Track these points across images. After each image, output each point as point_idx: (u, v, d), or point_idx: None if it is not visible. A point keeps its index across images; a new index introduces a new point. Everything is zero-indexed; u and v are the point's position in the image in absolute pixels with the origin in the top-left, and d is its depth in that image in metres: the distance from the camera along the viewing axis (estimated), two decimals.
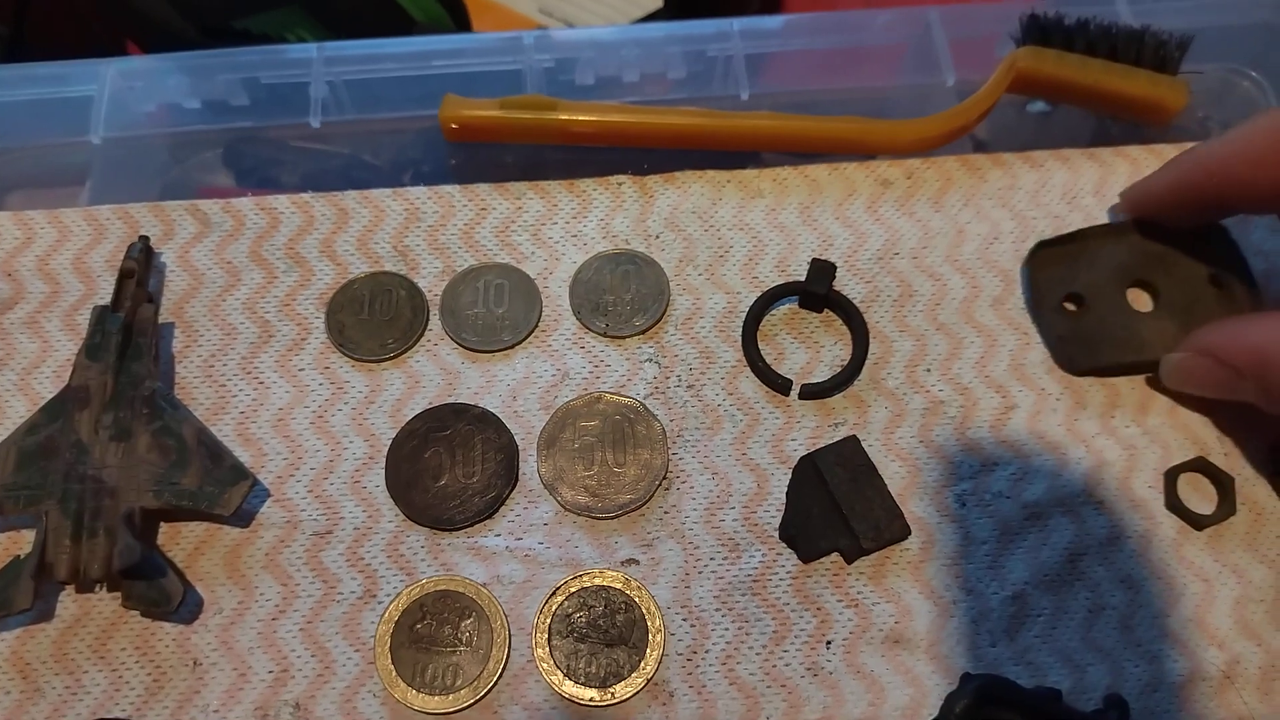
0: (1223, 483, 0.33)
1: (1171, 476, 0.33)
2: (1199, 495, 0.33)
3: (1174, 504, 0.32)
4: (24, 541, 0.32)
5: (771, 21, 0.41)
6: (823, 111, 0.37)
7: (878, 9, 0.40)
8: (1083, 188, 0.38)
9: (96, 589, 0.31)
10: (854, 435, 0.33)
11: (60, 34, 0.50)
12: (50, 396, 0.33)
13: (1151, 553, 0.32)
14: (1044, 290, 0.35)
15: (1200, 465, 0.33)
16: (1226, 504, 0.32)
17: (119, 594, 0.31)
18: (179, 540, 0.32)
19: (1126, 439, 0.33)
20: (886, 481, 0.32)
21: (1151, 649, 0.31)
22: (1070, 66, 0.37)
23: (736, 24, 0.40)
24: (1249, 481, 0.33)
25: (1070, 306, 0.35)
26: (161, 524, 0.32)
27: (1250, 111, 0.41)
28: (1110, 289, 0.34)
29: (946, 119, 0.37)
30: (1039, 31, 0.37)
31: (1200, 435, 0.34)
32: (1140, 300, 0.35)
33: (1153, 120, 0.38)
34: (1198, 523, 0.32)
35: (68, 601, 0.31)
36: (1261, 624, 0.31)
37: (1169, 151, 0.38)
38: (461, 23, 0.45)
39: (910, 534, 0.31)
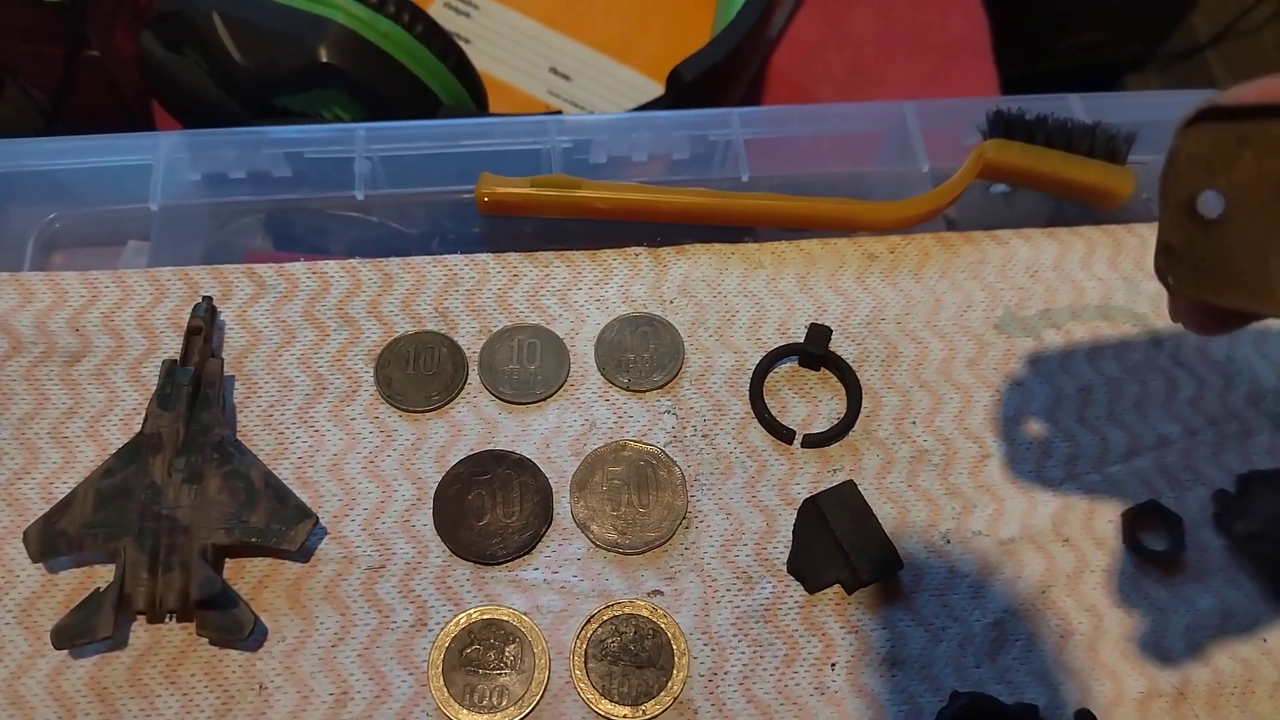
0: (1172, 523, 0.37)
1: (1128, 517, 0.37)
2: (1152, 534, 0.37)
3: (1131, 541, 0.37)
4: (97, 576, 0.34)
5: (766, 111, 0.46)
6: (814, 192, 0.42)
7: (861, 102, 0.45)
8: (1043, 263, 0.43)
9: (168, 619, 0.34)
10: (851, 480, 0.37)
11: (97, 104, 0.53)
12: (117, 443, 0.36)
13: (1112, 584, 0.36)
14: (1178, 177, 0.25)
15: (1153, 508, 0.37)
16: (1176, 541, 0.37)
17: (188, 624, 0.34)
18: (244, 574, 0.35)
19: (1089, 484, 0.38)
20: (880, 521, 0.36)
21: (1114, 669, 0.35)
22: (1032, 157, 0.42)
23: (736, 112, 0.45)
24: (1195, 522, 0.38)
25: (1205, 210, 0.25)
26: (227, 559, 0.35)
27: None
28: (1267, 198, 0.24)
29: (924, 201, 0.42)
30: (1004, 126, 0.43)
31: (1153, 482, 0.38)
32: None
33: (1104, 204, 0.43)
34: (1152, 558, 0.37)
35: (139, 631, 0.34)
36: (1209, 647, 0.35)
37: (1119, 231, 0.43)
38: (481, 103, 0.50)
39: (903, 567, 0.35)
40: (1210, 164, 0.24)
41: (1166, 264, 0.26)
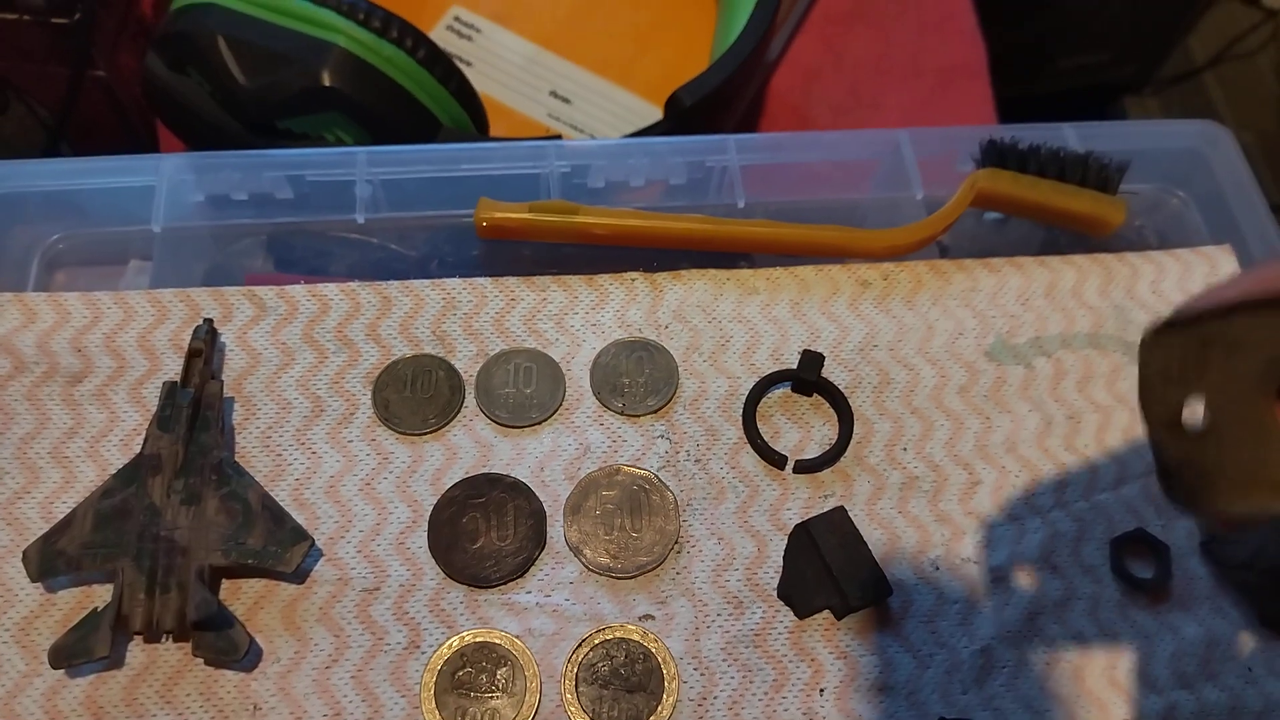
0: (1159, 551, 0.38)
1: (1116, 545, 0.38)
2: (1140, 561, 0.38)
3: (1118, 569, 0.37)
4: (95, 596, 0.35)
5: (762, 138, 0.46)
6: (808, 219, 0.43)
7: (856, 130, 0.46)
8: (1035, 290, 0.43)
9: (164, 639, 0.34)
10: (842, 506, 0.37)
11: (101, 123, 0.53)
12: (117, 464, 0.36)
13: (1100, 612, 0.37)
14: (1155, 395, 0.25)
15: (1140, 535, 0.38)
16: (1163, 570, 0.37)
17: (183, 644, 0.34)
18: (240, 595, 0.35)
19: (1076, 512, 0.38)
20: (870, 547, 0.36)
21: (1101, 696, 0.35)
22: (1024, 186, 0.42)
23: (732, 139, 0.45)
24: (1182, 550, 0.38)
25: (1193, 420, 0.25)
26: (223, 580, 0.35)
27: (1178, 225, 0.47)
28: (1246, 393, 0.24)
29: (917, 229, 0.42)
30: (996, 155, 0.43)
31: (1140, 509, 0.39)
32: None
33: (1096, 232, 0.44)
34: (1139, 586, 0.37)
35: (136, 651, 0.34)
36: (1194, 675, 0.36)
37: (1110, 260, 0.44)
38: (481, 125, 0.50)
39: (892, 593, 0.36)
40: (1182, 375, 0.24)
41: (1170, 486, 0.26)
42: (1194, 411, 0.24)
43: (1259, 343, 0.23)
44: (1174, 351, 0.24)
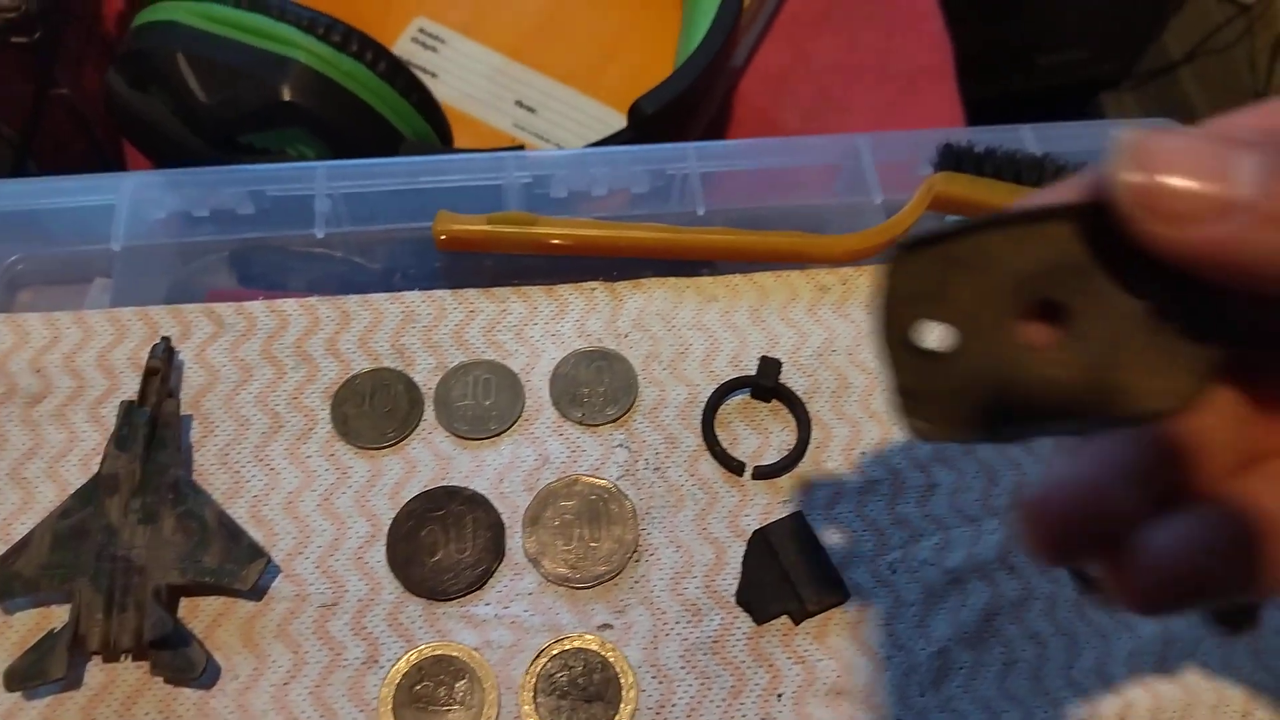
0: None
1: None
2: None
3: (1075, 569, 0.37)
4: (53, 617, 0.35)
5: (723, 145, 0.47)
6: (768, 225, 0.43)
7: (815, 136, 0.46)
8: None
9: (122, 658, 0.34)
10: (799, 511, 0.37)
11: (66, 141, 0.53)
12: (77, 483, 0.36)
13: (1057, 612, 0.37)
14: (894, 315, 0.23)
15: None
16: None
17: (142, 663, 0.34)
18: (199, 613, 0.35)
19: None
20: (828, 551, 0.37)
21: (1057, 696, 0.35)
22: (980, 189, 0.42)
23: (692, 146, 0.45)
24: None
25: (931, 343, 0.23)
26: (182, 598, 0.35)
27: None
28: (994, 314, 0.23)
29: (875, 234, 0.42)
30: (953, 158, 0.43)
31: None
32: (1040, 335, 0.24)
33: None
34: (1096, 586, 0.37)
35: (94, 671, 0.34)
36: (1151, 672, 0.36)
37: None
38: (444, 137, 0.50)
39: (849, 598, 0.36)
40: (927, 294, 0.23)
41: (907, 409, 0.23)
42: (937, 331, 0.23)
43: (1008, 260, 0.22)
44: (920, 270, 0.23)
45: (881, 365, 0.23)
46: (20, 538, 0.35)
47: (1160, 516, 0.22)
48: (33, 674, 0.32)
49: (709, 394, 0.40)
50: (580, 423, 0.39)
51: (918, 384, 0.23)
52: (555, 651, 0.35)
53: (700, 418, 0.39)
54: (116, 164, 0.55)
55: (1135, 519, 0.22)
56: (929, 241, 0.23)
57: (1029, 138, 0.46)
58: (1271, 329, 0.24)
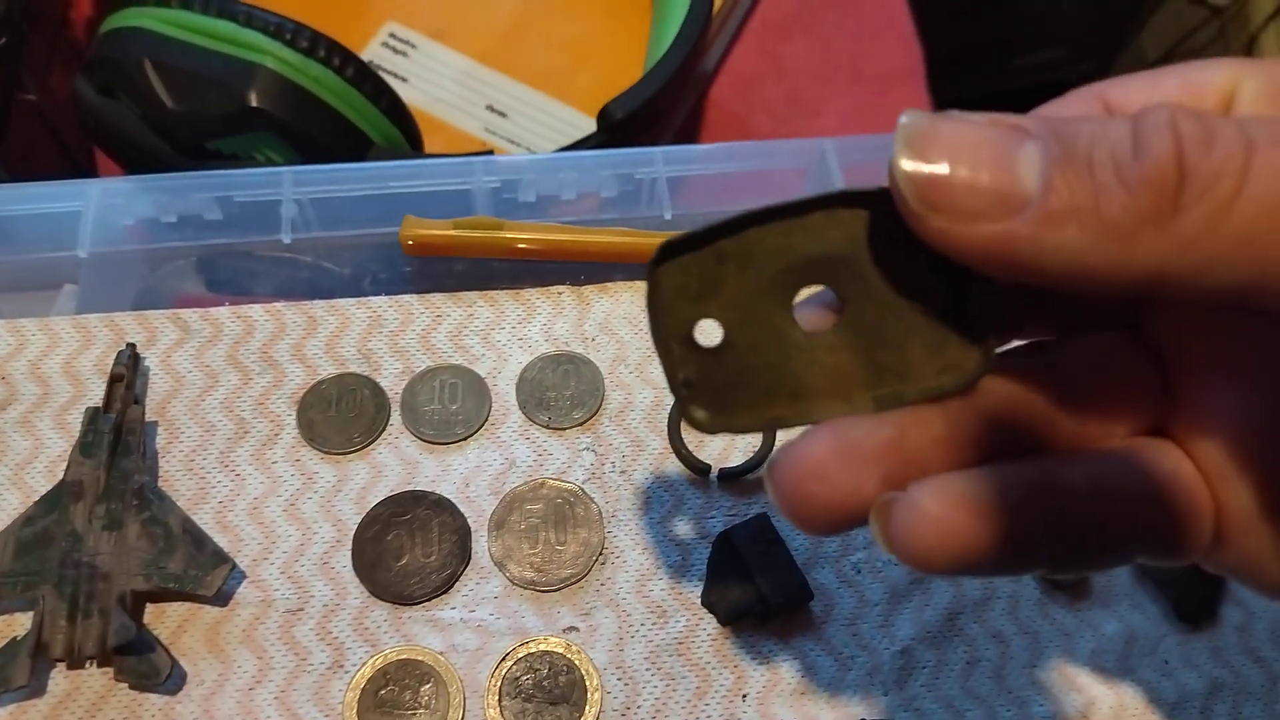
0: None
1: None
2: None
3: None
4: (16, 625, 0.35)
5: (690, 149, 0.47)
6: None
7: (782, 139, 0.46)
8: None
9: (87, 665, 0.34)
10: (764, 513, 0.38)
11: (35, 147, 0.53)
12: (42, 490, 0.36)
13: (1019, 611, 0.37)
14: (669, 313, 0.23)
15: None
16: None
17: (107, 669, 0.34)
18: (164, 619, 0.35)
19: None
20: (793, 552, 0.37)
21: (1021, 695, 0.36)
22: None
23: (659, 151, 0.46)
24: None
25: (705, 339, 0.23)
26: (147, 604, 0.35)
27: None
28: (764, 305, 0.23)
29: None
30: None
31: None
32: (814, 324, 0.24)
33: None
34: (1058, 584, 0.37)
35: (59, 678, 0.34)
36: (1113, 670, 0.36)
37: None
38: (414, 142, 0.50)
39: (813, 598, 0.36)
40: (699, 292, 0.23)
41: (690, 398, 0.23)
42: (709, 327, 0.23)
43: (770, 253, 0.22)
44: (689, 269, 0.22)
45: (661, 362, 0.23)
46: None
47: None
48: None
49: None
50: (547, 426, 0.39)
51: (696, 376, 0.23)
52: (521, 654, 0.35)
53: (666, 421, 0.40)
54: (87, 169, 0.55)
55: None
56: (698, 240, 0.23)
57: None
58: (1055, 319, 0.25)
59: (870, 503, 0.21)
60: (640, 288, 0.43)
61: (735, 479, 0.39)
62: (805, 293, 0.23)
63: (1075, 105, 0.23)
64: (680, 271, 0.23)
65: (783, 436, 0.39)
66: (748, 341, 0.23)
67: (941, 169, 0.19)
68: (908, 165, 0.19)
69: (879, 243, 0.22)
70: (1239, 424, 0.22)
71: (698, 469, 0.39)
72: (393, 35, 0.58)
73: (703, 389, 0.23)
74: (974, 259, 0.19)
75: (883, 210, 0.21)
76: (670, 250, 0.23)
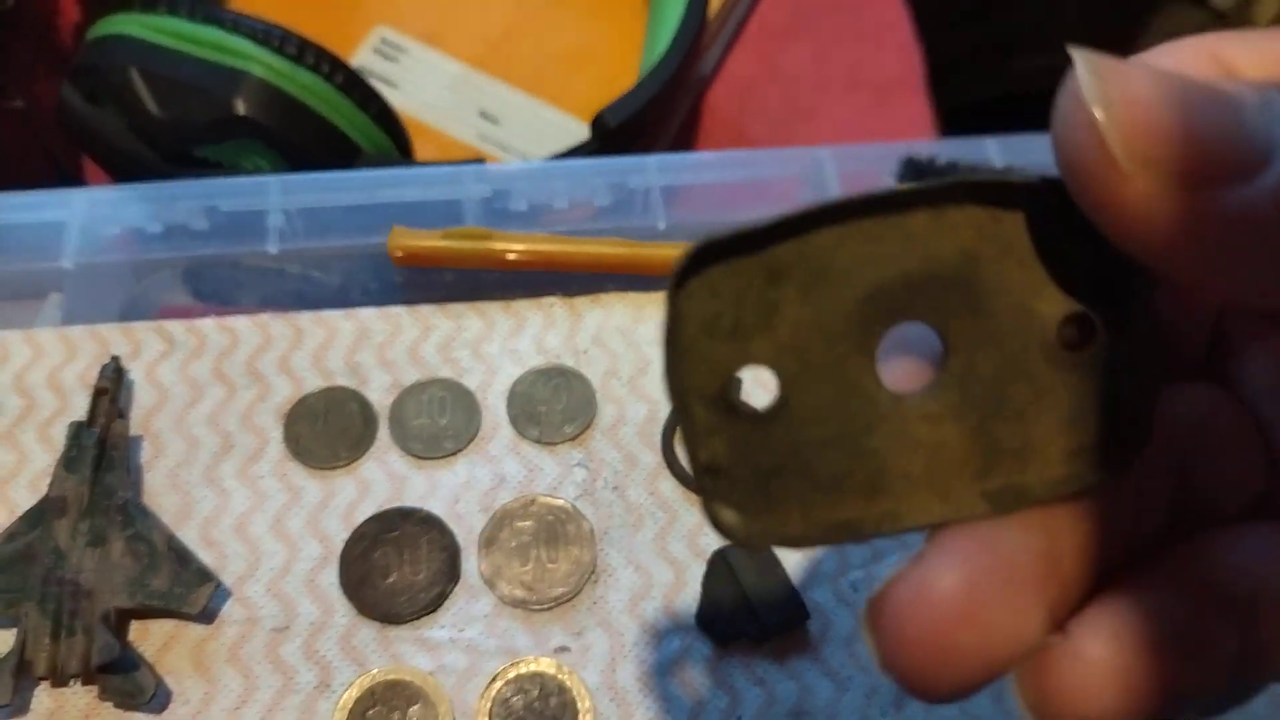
0: None
1: None
2: None
3: None
4: (0, 642, 0.34)
5: (684, 158, 0.46)
6: None
7: (778, 148, 0.46)
8: None
9: (70, 683, 0.34)
10: None
11: (21, 155, 0.53)
12: (26, 505, 0.36)
13: None
14: (691, 359, 0.16)
15: None
16: None
17: (91, 687, 0.34)
18: (148, 637, 0.35)
19: None
20: (789, 571, 0.36)
21: (1021, 716, 0.35)
22: None
23: (653, 159, 0.45)
24: None
25: (743, 397, 0.16)
26: (132, 622, 0.35)
27: None
28: (836, 347, 0.16)
29: None
30: (915, 172, 0.43)
31: None
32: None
33: None
34: None
35: (42, 696, 0.34)
36: None
37: None
38: (404, 149, 0.50)
39: (810, 618, 0.36)
40: (737, 326, 0.16)
41: (720, 492, 0.16)
42: (752, 380, 0.16)
43: (849, 269, 0.15)
44: (727, 289, 0.15)
45: (680, 430, 0.16)
46: None
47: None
48: None
49: (669, 411, 0.39)
50: (538, 441, 0.39)
51: (728, 456, 0.16)
52: (511, 675, 0.34)
53: (660, 436, 0.39)
54: (73, 177, 0.55)
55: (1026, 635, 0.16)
56: (742, 243, 0.15)
57: (993, 149, 0.46)
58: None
59: (1029, 649, 0.16)
60: (634, 299, 0.42)
61: None
62: (892, 332, 0.16)
63: (1185, 57, 0.17)
64: (713, 293, 0.15)
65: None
66: (810, 403, 0.16)
67: (1156, 111, 0.13)
68: (1102, 106, 0.14)
69: (1014, 258, 0.15)
70: None
71: (692, 486, 0.38)
72: (384, 40, 0.58)
73: (737, 477, 0.16)
74: (1173, 242, 0.14)
75: (1026, 208, 0.15)
76: (700, 259, 0.15)
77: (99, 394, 0.37)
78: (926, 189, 0.15)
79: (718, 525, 0.16)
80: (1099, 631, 0.15)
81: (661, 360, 0.16)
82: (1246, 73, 0.17)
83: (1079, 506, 0.17)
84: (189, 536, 0.36)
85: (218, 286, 0.43)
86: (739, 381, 0.16)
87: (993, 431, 0.16)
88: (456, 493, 0.37)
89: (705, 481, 0.16)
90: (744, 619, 0.35)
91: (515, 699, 0.34)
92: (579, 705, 0.34)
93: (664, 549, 0.37)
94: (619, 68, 0.58)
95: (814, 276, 0.15)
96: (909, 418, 0.16)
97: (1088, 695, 0.15)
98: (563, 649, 0.35)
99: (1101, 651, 0.15)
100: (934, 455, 0.16)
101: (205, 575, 0.34)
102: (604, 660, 0.35)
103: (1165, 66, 0.16)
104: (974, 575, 0.15)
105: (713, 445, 0.16)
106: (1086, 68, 0.14)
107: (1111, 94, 0.14)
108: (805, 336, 0.16)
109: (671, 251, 0.42)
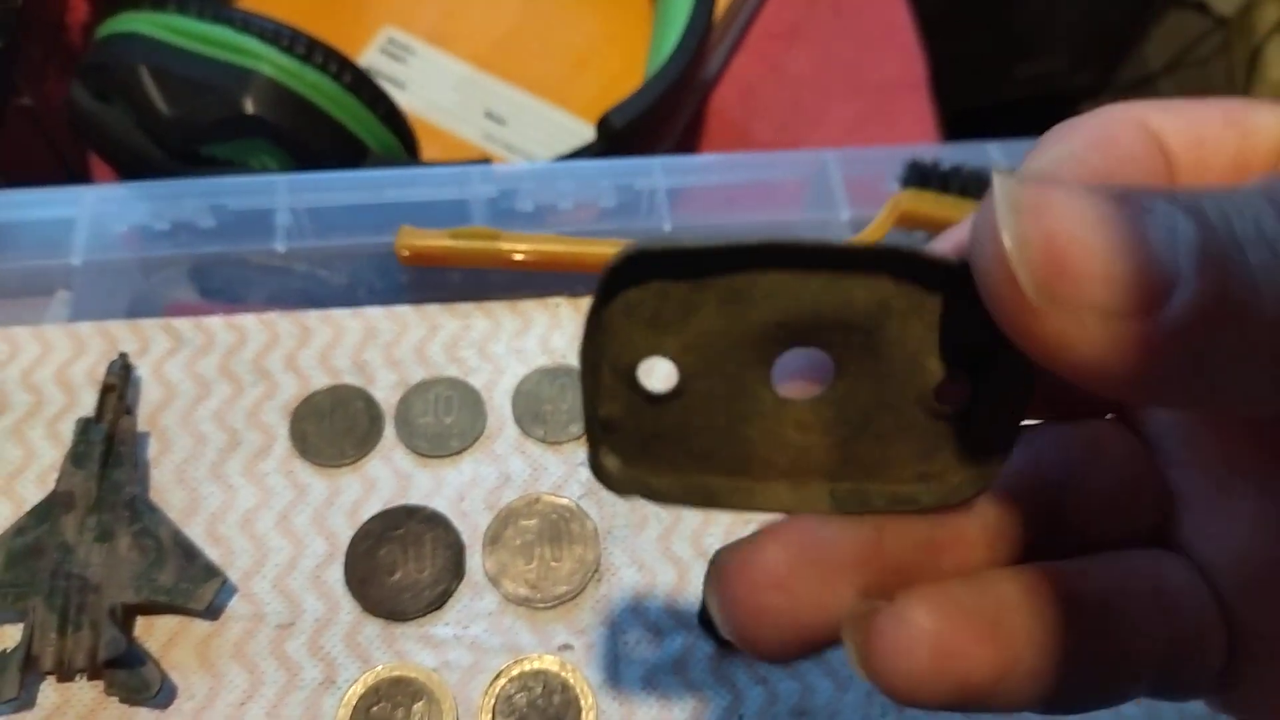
0: None
1: None
2: None
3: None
4: (5, 637, 0.34)
5: (689, 160, 0.46)
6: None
7: (783, 151, 0.46)
8: None
9: (77, 678, 0.34)
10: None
11: (30, 152, 0.53)
12: (34, 500, 0.36)
13: None
14: (611, 335, 0.18)
15: None
16: None
17: (97, 682, 0.34)
18: (154, 632, 0.35)
19: None
20: None
21: (1023, 714, 0.35)
22: (946, 207, 0.43)
23: (658, 161, 0.45)
24: None
25: (653, 381, 0.19)
26: (138, 618, 0.35)
27: None
28: (739, 354, 0.18)
29: None
30: (919, 175, 0.43)
31: None
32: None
33: None
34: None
35: (48, 691, 0.34)
36: None
37: None
38: (411, 149, 0.50)
39: None
40: (657, 317, 0.17)
41: (608, 442, 0.19)
42: (664, 368, 0.18)
43: (770, 296, 0.17)
44: (654, 286, 0.17)
45: (582, 388, 0.18)
46: None
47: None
48: None
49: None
50: (543, 441, 0.39)
51: (622, 418, 0.18)
52: (515, 673, 0.35)
53: None
54: (81, 175, 0.55)
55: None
56: (677, 254, 0.17)
57: (996, 153, 0.46)
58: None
59: (840, 619, 0.18)
60: None
61: None
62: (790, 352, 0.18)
63: (1113, 125, 0.18)
64: (642, 284, 0.17)
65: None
66: (703, 394, 0.18)
67: (1065, 248, 0.14)
68: (1014, 241, 0.14)
69: (920, 319, 0.17)
70: (1264, 532, 0.18)
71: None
72: (391, 40, 0.58)
73: (625, 434, 0.18)
74: (1087, 368, 0.15)
75: (944, 286, 0.17)
76: (641, 256, 0.17)
77: (107, 390, 0.37)
78: (868, 252, 0.17)
79: (598, 468, 0.19)
80: (922, 600, 0.17)
81: (586, 333, 0.18)
82: (1172, 141, 0.18)
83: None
84: (195, 533, 0.36)
85: (225, 284, 0.44)
86: (652, 366, 0.18)
87: (855, 447, 0.19)
88: (461, 491, 0.38)
89: (597, 432, 0.18)
90: None
91: (519, 696, 0.34)
92: (582, 703, 0.34)
93: (667, 549, 0.37)
94: (625, 70, 0.58)
95: (734, 295, 0.17)
96: (786, 420, 0.18)
97: (905, 653, 0.17)
98: (566, 647, 0.35)
99: (921, 617, 0.17)
100: (798, 455, 0.19)
101: (211, 571, 0.34)
102: (607, 658, 0.35)
103: (1095, 137, 0.18)
104: (791, 550, 0.18)
105: (611, 407, 0.18)
106: (1003, 198, 0.15)
107: (1024, 229, 0.14)
108: (712, 342, 0.18)
109: None
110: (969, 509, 0.19)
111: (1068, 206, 0.14)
